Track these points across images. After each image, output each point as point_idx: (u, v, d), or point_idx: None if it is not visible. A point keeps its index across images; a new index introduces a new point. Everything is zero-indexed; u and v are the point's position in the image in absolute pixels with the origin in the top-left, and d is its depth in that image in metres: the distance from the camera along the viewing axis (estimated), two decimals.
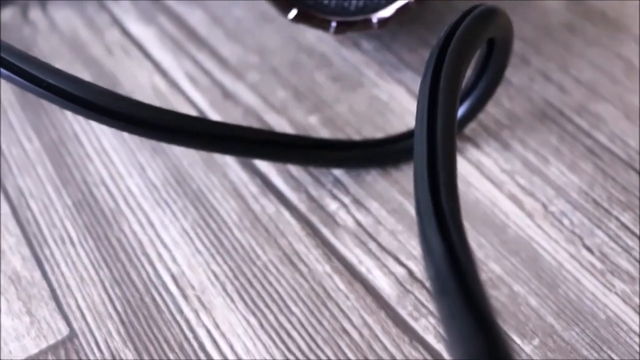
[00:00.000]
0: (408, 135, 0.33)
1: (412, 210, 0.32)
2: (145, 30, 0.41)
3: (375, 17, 0.32)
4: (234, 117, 0.36)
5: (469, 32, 0.25)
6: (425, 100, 0.24)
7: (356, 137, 0.35)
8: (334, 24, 0.32)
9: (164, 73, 0.39)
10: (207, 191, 0.34)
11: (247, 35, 0.40)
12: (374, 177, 0.34)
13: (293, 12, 0.32)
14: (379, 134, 0.35)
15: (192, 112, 0.37)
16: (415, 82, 0.37)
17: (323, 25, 0.32)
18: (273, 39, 0.40)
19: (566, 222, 0.32)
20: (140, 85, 0.38)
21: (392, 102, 0.37)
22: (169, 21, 0.42)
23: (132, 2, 0.43)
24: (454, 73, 0.25)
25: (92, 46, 0.41)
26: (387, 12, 0.32)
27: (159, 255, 0.32)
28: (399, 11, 0.32)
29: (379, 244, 0.32)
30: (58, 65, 0.41)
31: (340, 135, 0.35)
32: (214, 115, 0.37)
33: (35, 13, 0.44)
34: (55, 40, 0.41)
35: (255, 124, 0.36)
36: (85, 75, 0.39)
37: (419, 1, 0.32)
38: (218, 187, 0.34)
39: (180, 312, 0.30)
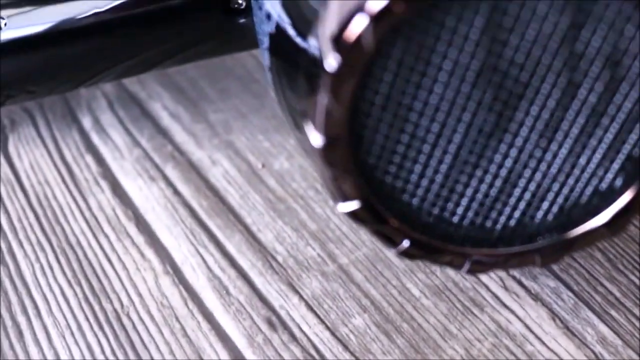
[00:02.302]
0: None
1: None
2: (146, 191, 0.28)
3: (537, 253, 0.18)
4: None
5: None
6: None
7: None
8: (468, 262, 0.18)
9: (177, 275, 0.25)
10: None
11: (299, 206, 0.26)
12: None
13: (405, 244, 0.17)
14: None
15: (223, 355, 0.23)
16: (560, 297, 0.23)
17: (451, 261, 0.18)
18: (337, 215, 0.26)
19: None
20: (142, 296, 0.24)
21: (529, 337, 0.22)
22: (182, 177, 0.28)
23: (127, 140, 0.29)
24: None
25: (70, 218, 0.28)
26: (556, 249, 0.18)
27: None
28: (581, 241, 0.18)
29: None
30: (18, 250, 0.26)
31: None
32: (250, 355, 0.22)
33: None
34: (17, 204, 0.28)
35: None
36: (59, 274, 0.25)
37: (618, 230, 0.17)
38: None
39: None
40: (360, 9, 0.15)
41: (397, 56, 0.16)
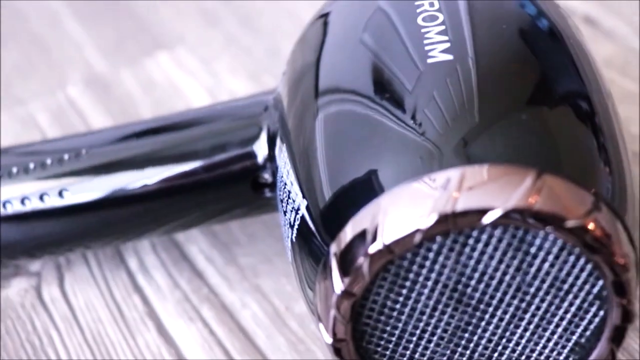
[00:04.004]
0: None
1: None
2: (186, 331, 0.33)
3: None
4: None
5: None
6: None
7: None
8: None
9: None
10: None
11: (318, 347, 0.32)
12: None
13: None
14: None
15: None
16: None
17: None
18: None
19: None
20: None
21: None
22: (217, 317, 0.34)
23: (168, 282, 0.35)
24: None
25: (121, 353, 0.33)
26: None
27: None
28: None
29: None
30: None
31: None
32: None
33: (50, 290, 0.35)
34: (75, 339, 0.33)
35: None
36: None
37: None
38: None
39: None
40: (363, 248, 0.21)
41: (389, 283, 0.22)
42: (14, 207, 0.32)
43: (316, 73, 0.28)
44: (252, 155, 0.31)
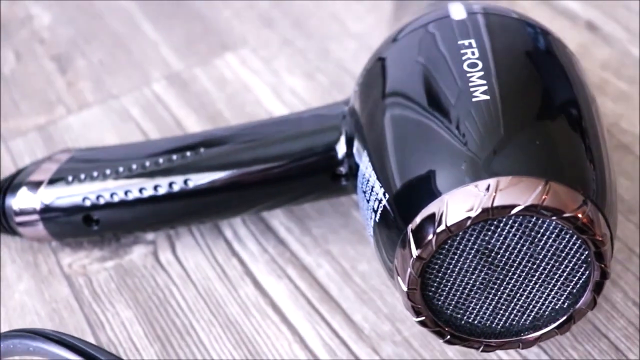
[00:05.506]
0: None
1: None
2: (276, 285, 0.47)
3: (520, 341, 0.38)
4: None
5: None
6: None
7: None
8: (482, 345, 0.38)
9: (302, 343, 0.45)
10: None
11: (377, 296, 0.46)
12: None
13: (448, 337, 0.38)
14: None
15: None
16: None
17: (473, 345, 0.38)
18: (401, 303, 0.46)
19: None
20: (281, 356, 0.44)
21: None
22: (299, 275, 0.47)
23: (258, 248, 0.49)
24: None
25: (228, 303, 0.47)
26: (532, 336, 0.38)
27: None
28: (544, 336, 0.38)
29: None
30: (197, 325, 0.47)
31: None
32: None
33: (166, 255, 0.49)
34: (191, 293, 0.47)
35: None
36: (226, 341, 0.45)
37: (565, 331, 0.38)
38: None
39: None
40: (431, 227, 0.36)
41: (446, 251, 0.37)
42: (149, 192, 0.46)
43: (383, 106, 0.42)
44: (333, 153, 0.45)
